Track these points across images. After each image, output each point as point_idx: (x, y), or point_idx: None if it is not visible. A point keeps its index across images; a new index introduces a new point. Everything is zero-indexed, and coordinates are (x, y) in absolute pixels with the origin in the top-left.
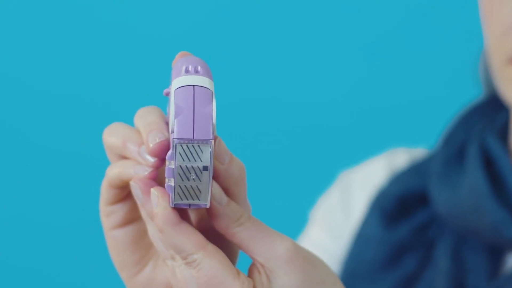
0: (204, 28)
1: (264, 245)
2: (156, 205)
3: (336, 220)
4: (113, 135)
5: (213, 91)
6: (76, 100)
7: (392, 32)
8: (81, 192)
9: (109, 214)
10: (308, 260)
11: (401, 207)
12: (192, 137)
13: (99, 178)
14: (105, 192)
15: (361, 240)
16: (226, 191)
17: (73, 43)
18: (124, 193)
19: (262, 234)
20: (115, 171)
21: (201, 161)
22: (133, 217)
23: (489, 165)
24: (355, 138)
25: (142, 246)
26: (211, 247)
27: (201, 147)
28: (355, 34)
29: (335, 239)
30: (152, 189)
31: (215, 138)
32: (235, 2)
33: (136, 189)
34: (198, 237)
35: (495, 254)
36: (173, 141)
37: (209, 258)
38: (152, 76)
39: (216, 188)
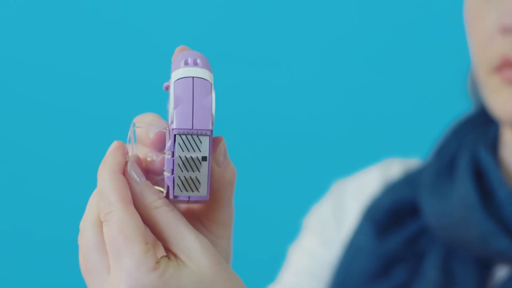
0: (202, 31)
1: (179, 236)
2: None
3: (328, 229)
4: None
5: (212, 83)
6: (68, 106)
7: (386, 45)
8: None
9: None
10: (220, 259)
11: (393, 218)
12: (191, 128)
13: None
14: None
15: (352, 250)
16: (214, 193)
17: (65, 48)
18: None
19: (179, 224)
20: None
21: (200, 151)
22: None
23: (480, 177)
24: (350, 148)
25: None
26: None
27: (200, 138)
28: (349, 47)
29: (327, 248)
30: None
31: (216, 136)
32: (236, 4)
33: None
34: (126, 192)
35: (484, 267)
36: (172, 132)
37: (127, 215)
38: (147, 80)
39: (135, 168)
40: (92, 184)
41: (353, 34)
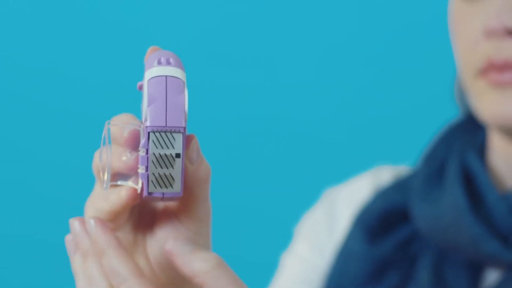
0: (196, 33)
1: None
2: (94, 231)
3: (321, 236)
4: None
5: (185, 82)
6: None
7: (374, 54)
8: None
9: None
10: (234, 275)
11: (384, 223)
12: (164, 125)
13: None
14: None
15: (344, 255)
16: (189, 190)
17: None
18: None
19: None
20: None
21: (174, 148)
22: None
23: (469, 182)
24: (340, 156)
25: None
26: (146, 278)
27: (173, 135)
28: (340, 54)
29: (320, 254)
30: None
31: (188, 134)
32: (234, 5)
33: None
34: (134, 265)
35: (475, 270)
36: (146, 129)
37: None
38: (122, 81)
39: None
40: (91, 184)
41: (344, 43)
